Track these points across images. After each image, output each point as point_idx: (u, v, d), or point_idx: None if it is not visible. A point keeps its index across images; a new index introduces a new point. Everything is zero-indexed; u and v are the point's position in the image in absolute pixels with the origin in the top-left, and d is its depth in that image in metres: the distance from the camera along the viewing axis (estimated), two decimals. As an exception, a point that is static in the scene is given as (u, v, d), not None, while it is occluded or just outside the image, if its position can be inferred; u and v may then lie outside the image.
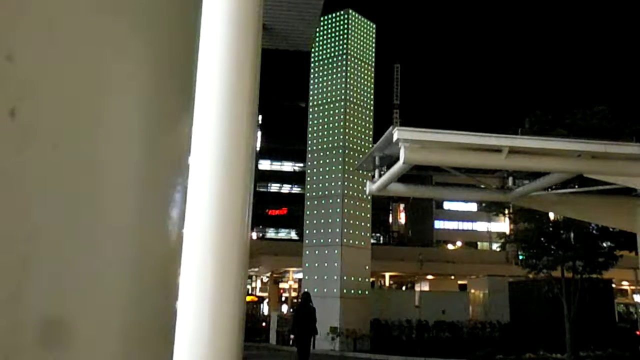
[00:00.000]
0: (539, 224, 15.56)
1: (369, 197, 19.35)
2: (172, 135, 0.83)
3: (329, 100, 20.39)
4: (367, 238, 20.27)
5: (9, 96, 0.62)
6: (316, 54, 20.71)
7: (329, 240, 19.22)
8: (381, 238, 53.14)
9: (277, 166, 58.46)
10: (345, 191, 19.34)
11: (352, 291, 18.91)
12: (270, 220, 54.85)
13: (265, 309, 33.94)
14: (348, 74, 20.17)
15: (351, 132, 20.05)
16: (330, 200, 19.49)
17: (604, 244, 15.61)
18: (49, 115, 0.66)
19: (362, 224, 19.78)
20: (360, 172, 16.40)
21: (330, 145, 20.05)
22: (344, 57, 20.29)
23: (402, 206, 55.21)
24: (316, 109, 20.69)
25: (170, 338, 0.82)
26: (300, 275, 24.12)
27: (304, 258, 19.93)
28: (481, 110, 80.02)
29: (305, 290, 16.46)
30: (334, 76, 20.39)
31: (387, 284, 35.96)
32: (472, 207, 53.52)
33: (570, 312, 14.68)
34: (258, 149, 47.86)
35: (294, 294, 33.59)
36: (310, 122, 20.77)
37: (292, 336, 13.20)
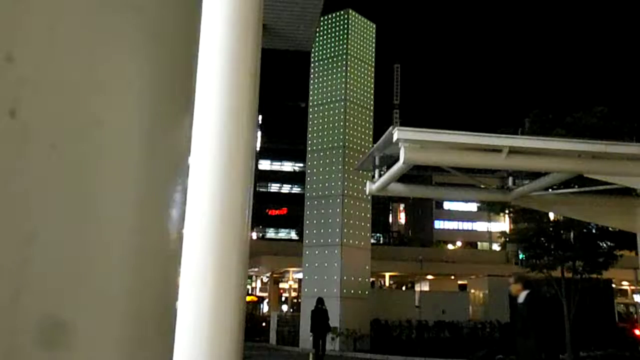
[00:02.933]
0: (539, 224, 15.56)
1: (369, 197, 19.33)
2: (172, 136, 0.83)
3: (329, 100, 20.38)
4: (367, 238, 20.26)
5: (9, 96, 0.62)
6: (316, 54, 20.70)
7: (329, 240, 19.21)
8: (381, 238, 53.12)
9: (277, 166, 58.45)
10: (345, 191, 19.33)
11: (352, 291, 18.90)
12: (270, 220, 54.83)
13: (265, 309, 33.96)
14: (348, 74, 20.15)
15: (351, 132, 20.04)
16: (330, 200, 19.48)
17: (604, 244, 15.60)
18: (49, 115, 0.66)
19: (362, 224, 19.77)
20: (360, 172, 16.39)
21: (330, 145, 20.04)
22: (344, 57, 20.28)
23: (402, 206, 55.24)
24: (316, 109, 20.69)
25: (170, 338, 0.82)
26: (300, 275, 24.11)
27: (304, 258, 19.92)
28: (481, 110, 79.97)
29: (305, 290, 16.52)
30: (334, 76, 20.38)
31: (387, 284, 35.96)
32: (472, 207, 53.49)
33: (570, 312, 14.68)
34: (258, 149, 47.84)
35: (294, 294, 33.59)
36: (310, 122, 20.76)
37: (311, 334, 15.03)
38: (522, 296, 6.65)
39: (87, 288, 0.68)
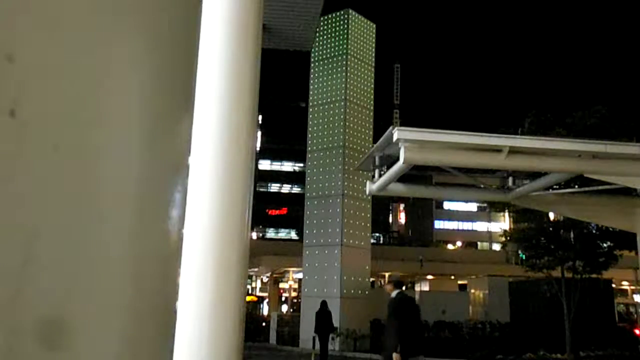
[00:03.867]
0: (539, 224, 15.56)
1: (369, 197, 19.33)
2: (172, 136, 0.83)
3: (329, 100, 20.37)
4: (367, 238, 20.25)
5: (9, 96, 0.62)
6: (316, 54, 20.69)
7: (329, 240, 19.20)
8: (381, 238, 53.12)
9: (277, 166, 58.44)
10: (345, 191, 19.32)
11: (352, 291, 18.90)
12: (270, 220, 54.83)
13: (265, 309, 33.97)
14: (348, 74, 20.15)
15: (351, 132, 20.03)
16: (330, 200, 19.47)
17: (604, 244, 15.60)
18: (49, 116, 0.66)
19: (362, 224, 19.77)
20: (360, 172, 16.39)
21: (330, 145, 20.04)
22: (344, 57, 20.28)
23: (402, 206, 55.20)
24: (316, 109, 20.68)
25: (170, 338, 0.82)
26: (300, 275, 24.11)
27: (304, 258, 19.92)
28: (481, 110, 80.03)
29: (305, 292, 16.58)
30: (334, 76, 20.37)
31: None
32: (472, 207, 53.54)
33: (570, 312, 14.68)
34: (258, 149, 47.84)
35: (294, 294, 33.58)
36: (310, 122, 20.76)
37: (314, 334, 15.60)
38: (392, 295, 7.58)
39: (87, 288, 0.68)
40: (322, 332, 15.46)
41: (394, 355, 7.03)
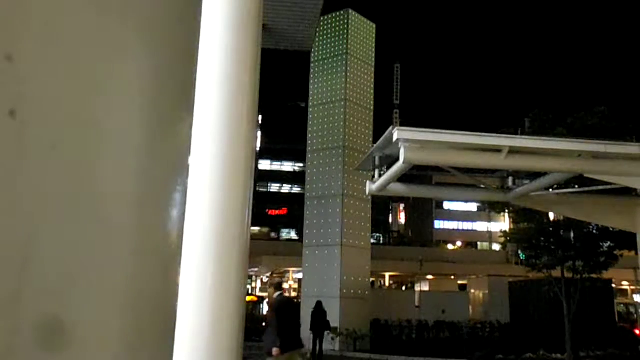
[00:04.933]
0: (539, 224, 15.57)
1: (369, 197, 19.33)
2: (172, 136, 0.83)
3: (329, 100, 20.37)
4: (367, 238, 20.26)
5: (9, 96, 0.62)
6: (316, 54, 20.69)
7: (329, 240, 19.21)
8: (381, 238, 53.10)
9: (277, 166, 58.42)
10: (345, 191, 19.32)
11: (352, 291, 18.90)
12: (270, 220, 54.82)
13: (265, 309, 33.97)
14: (348, 74, 20.15)
15: (351, 132, 20.03)
16: (330, 200, 19.47)
17: (604, 244, 15.60)
18: (49, 116, 0.66)
19: (362, 224, 19.77)
20: (360, 172, 16.38)
21: (330, 145, 20.04)
22: (344, 57, 20.28)
23: (402, 206, 55.20)
24: (316, 109, 20.68)
25: (170, 338, 0.82)
26: (300, 275, 24.11)
27: (304, 258, 19.92)
28: (481, 110, 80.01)
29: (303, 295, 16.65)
30: (334, 76, 20.37)
31: (387, 284, 35.95)
32: (472, 207, 53.47)
33: (570, 312, 14.68)
34: (258, 149, 47.84)
35: (294, 294, 33.59)
36: (310, 122, 20.76)
37: (310, 332, 16.03)
38: (274, 297, 8.33)
39: (87, 288, 0.68)
40: (317, 330, 15.88)
41: (274, 349, 7.56)
